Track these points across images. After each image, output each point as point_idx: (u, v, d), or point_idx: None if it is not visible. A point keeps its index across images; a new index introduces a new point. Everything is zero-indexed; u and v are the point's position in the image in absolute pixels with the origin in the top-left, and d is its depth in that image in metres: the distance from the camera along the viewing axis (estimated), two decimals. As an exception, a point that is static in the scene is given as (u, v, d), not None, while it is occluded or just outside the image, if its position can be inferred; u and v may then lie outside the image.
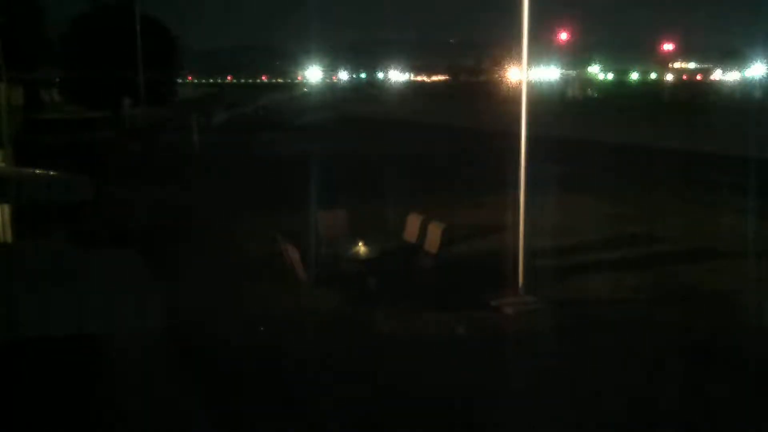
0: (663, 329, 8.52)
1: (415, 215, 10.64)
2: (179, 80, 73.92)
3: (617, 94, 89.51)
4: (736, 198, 16.69)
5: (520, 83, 9.27)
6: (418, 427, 6.36)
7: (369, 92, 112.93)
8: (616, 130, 36.48)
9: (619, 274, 10.66)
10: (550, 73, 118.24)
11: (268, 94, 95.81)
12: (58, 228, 11.36)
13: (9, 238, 9.85)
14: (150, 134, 33.53)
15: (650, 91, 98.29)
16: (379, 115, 53.85)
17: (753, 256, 11.64)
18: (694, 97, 72.90)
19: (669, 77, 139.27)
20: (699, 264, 11.20)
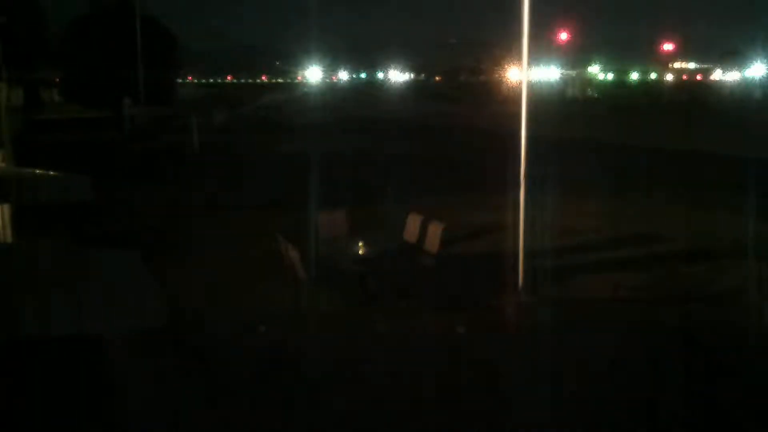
0: (663, 329, 8.53)
1: (415, 215, 10.63)
2: (179, 80, 74.06)
3: (616, 94, 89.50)
4: (735, 198, 16.64)
5: (520, 83, 9.27)
6: (418, 427, 6.36)
7: (368, 92, 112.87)
8: (616, 130, 36.50)
9: (619, 273, 10.67)
10: (550, 73, 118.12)
11: (268, 94, 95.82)
12: (58, 228, 11.37)
13: (9, 238, 9.85)
14: (150, 134, 33.53)
15: (650, 91, 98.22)
16: (378, 115, 53.82)
17: (752, 256, 11.64)
18: (694, 98, 72.79)
19: (669, 77, 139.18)
20: (699, 264, 11.21)
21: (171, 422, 6.33)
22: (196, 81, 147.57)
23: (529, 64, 9.36)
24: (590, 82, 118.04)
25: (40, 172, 8.80)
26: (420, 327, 8.61)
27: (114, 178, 19.16)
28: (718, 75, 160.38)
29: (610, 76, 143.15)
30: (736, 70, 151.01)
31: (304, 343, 8.11)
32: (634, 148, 28.63)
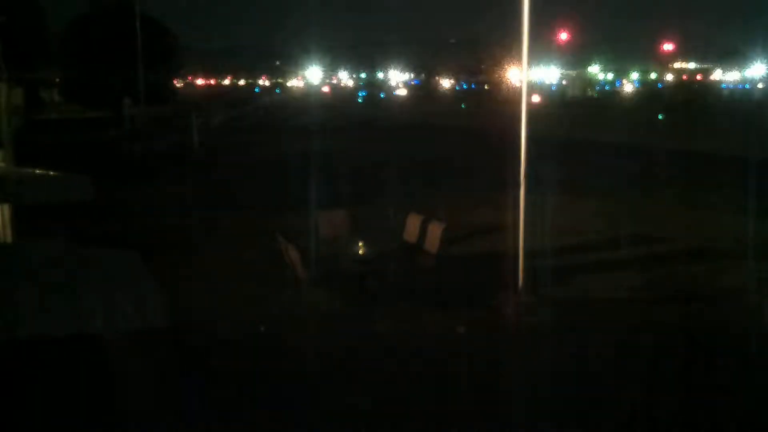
0: (663, 329, 8.52)
1: (415, 215, 10.63)
2: (179, 80, 74.08)
3: (616, 94, 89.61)
4: (735, 198, 16.63)
5: (520, 83, 9.27)
6: (418, 427, 6.36)
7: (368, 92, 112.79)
8: (615, 130, 36.50)
9: (619, 273, 10.66)
10: (550, 74, 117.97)
11: (268, 95, 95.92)
12: (58, 228, 11.36)
13: (9, 238, 9.83)
14: (150, 134, 33.51)
15: (649, 91, 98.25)
16: (378, 115, 53.82)
17: (752, 256, 11.64)
18: (694, 99, 72.73)
19: (669, 77, 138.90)
20: (699, 264, 11.21)
21: (171, 422, 6.33)
22: (196, 81, 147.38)
23: (529, 64, 9.37)
24: (590, 82, 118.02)
25: (40, 172, 8.79)
26: (420, 327, 8.60)
27: (114, 178, 19.13)
28: (718, 75, 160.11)
29: (610, 76, 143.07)
30: (736, 70, 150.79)
31: (304, 343, 8.10)
32: (634, 148, 28.61)
